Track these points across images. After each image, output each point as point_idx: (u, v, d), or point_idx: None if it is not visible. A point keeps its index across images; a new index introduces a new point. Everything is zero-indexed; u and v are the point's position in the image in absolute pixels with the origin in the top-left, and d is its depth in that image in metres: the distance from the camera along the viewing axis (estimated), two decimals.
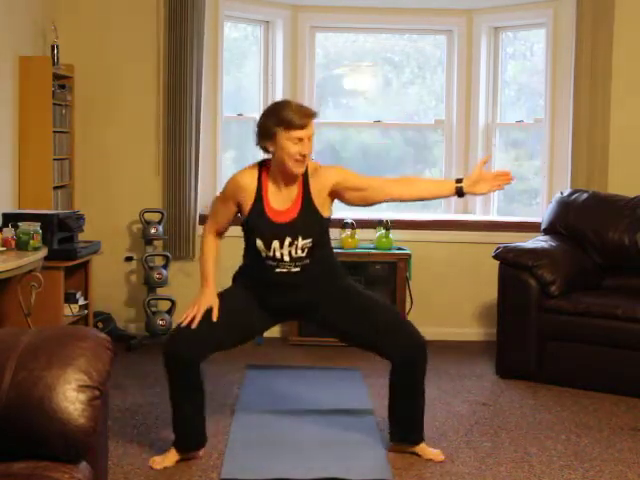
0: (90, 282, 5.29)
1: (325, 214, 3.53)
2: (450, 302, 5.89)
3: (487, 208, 6.24)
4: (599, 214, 5.22)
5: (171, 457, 3.54)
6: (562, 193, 5.47)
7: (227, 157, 6.28)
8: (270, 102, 6.12)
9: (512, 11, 6.09)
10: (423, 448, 3.67)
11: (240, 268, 3.69)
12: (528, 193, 6.41)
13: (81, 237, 5.23)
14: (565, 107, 5.75)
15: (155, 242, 5.69)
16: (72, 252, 4.89)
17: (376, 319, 3.59)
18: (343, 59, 6.47)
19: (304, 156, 3.37)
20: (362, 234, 5.71)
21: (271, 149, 3.40)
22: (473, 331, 5.90)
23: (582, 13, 5.56)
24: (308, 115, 3.37)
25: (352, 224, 5.62)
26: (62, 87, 5.39)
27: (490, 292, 5.43)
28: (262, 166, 3.52)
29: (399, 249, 5.63)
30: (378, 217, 5.74)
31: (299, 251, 3.46)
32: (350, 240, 5.60)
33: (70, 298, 5.09)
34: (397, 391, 3.63)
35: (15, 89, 5.08)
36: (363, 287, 3.84)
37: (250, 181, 3.47)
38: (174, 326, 5.57)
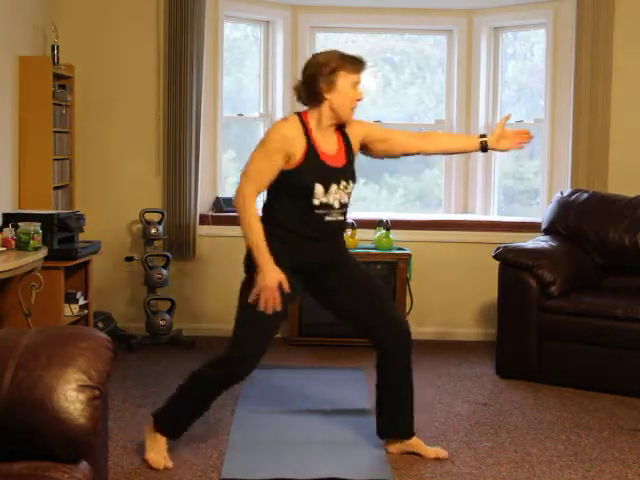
0: (90, 282, 5.29)
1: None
2: (450, 302, 5.89)
3: (487, 208, 6.24)
4: (599, 214, 5.22)
5: (163, 449, 3.51)
6: (562, 193, 5.47)
7: (227, 157, 6.28)
8: (270, 102, 6.18)
9: (512, 11, 6.09)
10: (425, 449, 3.65)
11: (272, 232, 3.36)
12: (528, 193, 6.41)
13: (81, 237, 5.23)
14: (565, 107, 5.76)
15: (155, 242, 5.68)
16: (72, 252, 4.89)
17: (379, 301, 3.57)
18: None
19: (360, 100, 3.43)
20: (362, 234, 5.70)
21: (327, 95, 3.36)
22: (473, 331, 5.90)
23: (582, 13, 5.56)
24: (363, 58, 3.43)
25: (352, 224, 5.62)
26: (62, 87, 5.39)
27: (490, 292, 5.44)
28: (300, 118, 3.44)
29: (399, 249, 5.62)
30: (378, 217, 5.74)
31: (345, 196, 3.44)
32: (350, 240, 5.59)
33: (70, 298, 5.08)
34: (389, 382, 3.59)
35: (15, 89, 5.08)
36: None
37: (297, 130, 3.39)
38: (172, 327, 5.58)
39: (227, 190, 6.15)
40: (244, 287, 3.43)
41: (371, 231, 5.73)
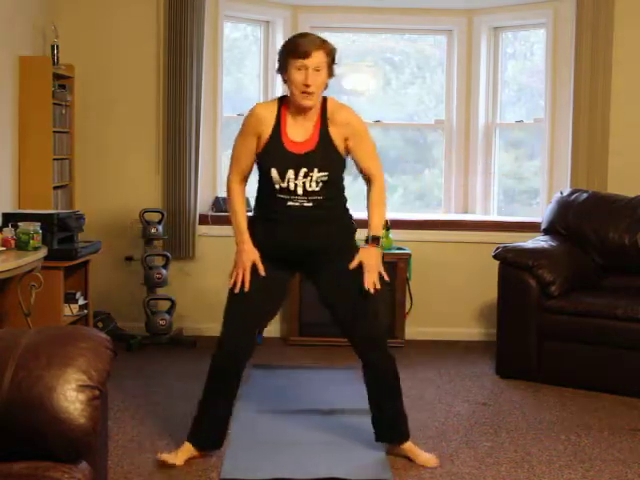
0: (90, 282, 5.29)
1: (343, 154, 3.46)
2: (450, 302, 5.89)
3: (487, 208, 6.24)
4: (599, 214, 5.22)
5: (184, 453, 3.51)
6: (562, 193, 5.47)
7: (227, 157, 6.27)
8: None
9: (512, 11, 6.09)
10: (419, 454, 3.61)
11: (253, 212, 3.56)
12: (528, 193, 6.41)
13: (81, 237, 5.23)
14: (565, 107, 5.76)
15: (155, 242, 5.68)
16: (72, 252, 4.89)
17: (358, 313, 3.50)
18: (343, 59, 6.45)
19: (308, 86, 3.29)
20: (362, 234, 5.68)
21: (286, 79, 3.38)
22: (473, 331, 5.90)
23: (582, 13, 5.56)
24: (313, 43, 3.30)
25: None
26: (62, 87, 5.39)
27: (490, 292, 5.43)
28: (282, 100, 3.47)
29: (399, 249, 5.62)
30: None
31: (313, 184, 3.37)
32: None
33: (70, 298, 5.08)
34: (371, 391, 3.62)
35: (15, 89, 5.08)
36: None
37: (269, 112, 3.41)
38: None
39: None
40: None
41: None
